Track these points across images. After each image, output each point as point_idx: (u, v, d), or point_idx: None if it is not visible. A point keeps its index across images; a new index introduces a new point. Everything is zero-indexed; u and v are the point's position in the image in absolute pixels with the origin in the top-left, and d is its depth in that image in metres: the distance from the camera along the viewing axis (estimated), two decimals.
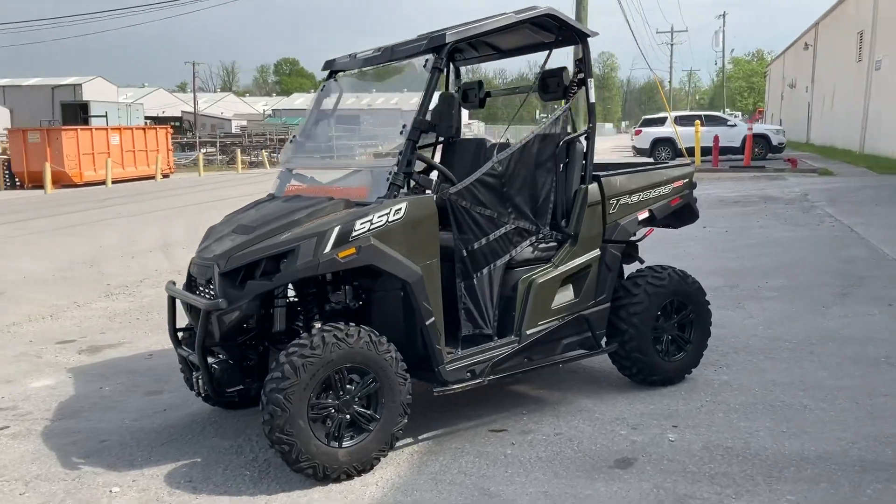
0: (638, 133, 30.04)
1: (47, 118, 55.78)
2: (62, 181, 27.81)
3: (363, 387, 3.96)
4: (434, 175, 4.77)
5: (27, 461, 4.38)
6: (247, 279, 4.01)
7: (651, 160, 8.45)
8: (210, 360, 4.29)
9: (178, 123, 58.30)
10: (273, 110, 79.54)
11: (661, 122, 28.64)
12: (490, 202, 4.41)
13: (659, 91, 38.27)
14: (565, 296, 4.69)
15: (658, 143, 28.54)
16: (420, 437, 4.47)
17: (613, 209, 4.86)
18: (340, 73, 5.04)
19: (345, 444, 3.93)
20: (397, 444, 4.30)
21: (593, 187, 4.78)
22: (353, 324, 4.01)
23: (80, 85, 69.94)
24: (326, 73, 5.10)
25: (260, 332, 4.32)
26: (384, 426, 4.01)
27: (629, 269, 5.27)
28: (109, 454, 4.45)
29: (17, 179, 28.15)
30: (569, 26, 4.71)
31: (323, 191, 4.55)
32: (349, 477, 3.94)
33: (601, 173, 4.91)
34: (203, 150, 42.87)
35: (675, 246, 10.58)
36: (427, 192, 4.23)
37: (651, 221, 5.12)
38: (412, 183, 4.19)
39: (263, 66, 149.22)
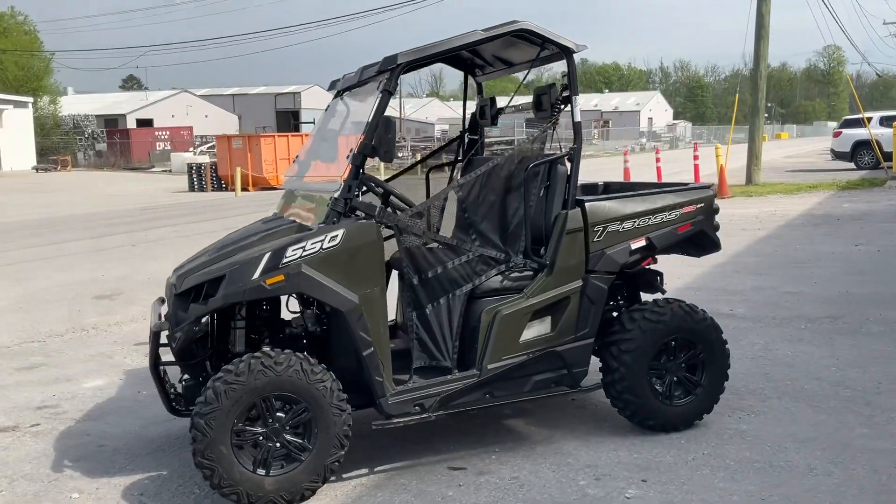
0: (837, 135, 27.45)
1: (270, 124, 60.24)
2: (260, 184, 30.15)
3: (294, 416, 3.91)
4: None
5: (25, 460, 4.73)
6: (197, 300, 4.08)
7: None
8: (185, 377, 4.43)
9: None
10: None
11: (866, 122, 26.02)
12: (448, 229, 4.21)
13: (850, 86, 34.73)
14: (538, 329, 4.38)
15: (860, 146, 26.08)
16: (375, 469, 4.35)
17: (599, 237, 4.47)
18: (346, 93, 5.01)
19: (273, 472, 3.89)
20: (350, 474, 4.22)
21: (575, 213, 4.43)
22: (291, 350, 3.97)
23: (299, 93, 74.88)
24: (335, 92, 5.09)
25: (222, 352, 4.38)
26: (316, 457, 3.93)
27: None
28: (97, 459, 4.70)
29: (222, 182, 30.66)
30: (548, 40, 4.40)
31: (304, 212, 4.55)
32: (285, 502, 3.89)
33: (589, 197, 4.54)
34: (399, 154, 44.51)
35: (802, 266, 9.65)
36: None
37: (650, 250, 4.66)
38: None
39: None
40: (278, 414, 3.89)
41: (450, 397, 4.20)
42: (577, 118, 4.45)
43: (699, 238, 4.80)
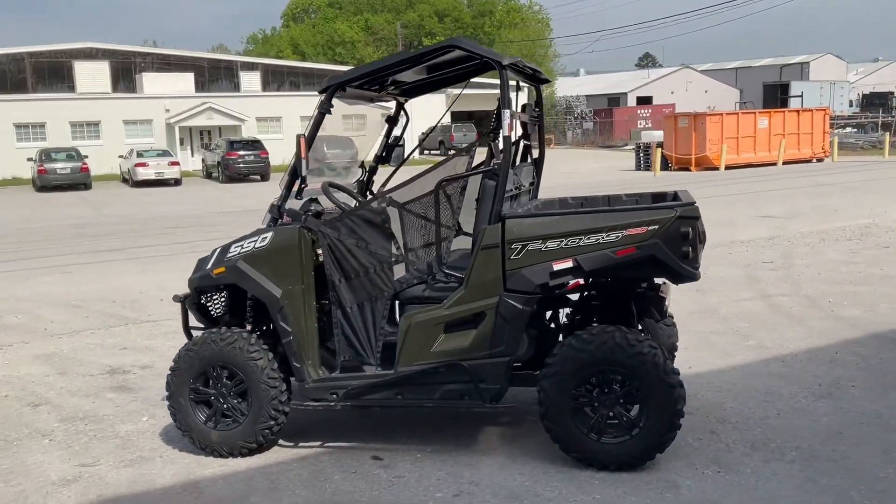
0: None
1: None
2: (703, 164, 29.82)
3: (235, 385, 4.72)
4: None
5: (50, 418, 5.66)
6: None
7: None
8: None
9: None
10: None
11: None
12: (371, 237, 4.53)
13: None
14: (452, 341, 4.43)
15: None
16: (327, 445, 4.92)
17: (516, 255, 4.29)
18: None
19: (218, 428, 4.77)
20: (288, 444, 4.90)
21: (493, 229, 4.33)
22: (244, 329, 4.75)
23: (808, 63, 69.99)
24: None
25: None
26: (251, 423, 4.69)
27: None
28: (82, 438, 5.26)
29: (668, 161, 30.98)
30: (478, 55, 4.36)
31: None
32: (221, 455, 4.76)
33: (514, 213, 4.38)
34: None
35: None
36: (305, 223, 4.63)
37: (578, 272, 4.26)
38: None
39: None
40: (225, 381, 4.73)
41: (361, 391, 4.57)
42: (506, 133, 4.35)
43: (654, 264, 4.24)
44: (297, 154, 4.46)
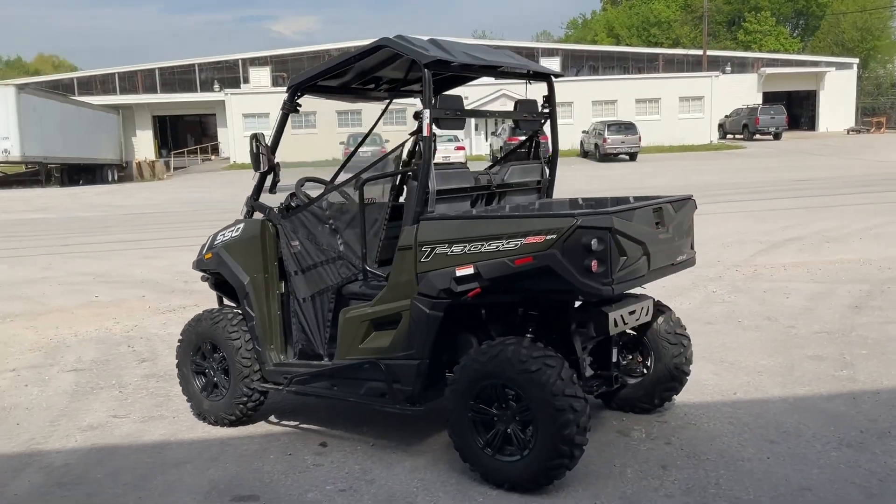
0: None
1: None
2: None
3: (219, 360, 5.20)
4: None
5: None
6: None
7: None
8: None
9: None
10: None
11: None
12: (320, 234, 4.70)
13: None
14: (376, 339, 4.45)
15: None
16: (302, 426, 5.21)
17: (426, 258, 4.18)
18: None
19: (210, 398, 5.28)
20: (259, 422, 5.25)
21: (409, 230, 4.26)
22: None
23: None
24: None
25: None
26: (230, 396, 5.14)
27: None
28: (141, 394, 6.01)
29: None
30: (403, 54, 4.29)
31: None
32: (209, 423, 5.26)
33: (430, 215, 4.26)
34: None
35: None
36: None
37: (478, 280, 4.02)
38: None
39: None
40: (214, 355, 5.23)
41: (304, 380, 4.78)
42: (426, 133, 4.26)
43: (551, 276, 3.89)
44: (251, 152, 4.75)
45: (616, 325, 4.32)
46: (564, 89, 46.26)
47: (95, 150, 41.16)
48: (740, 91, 49.46)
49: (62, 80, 51.42)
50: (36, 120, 35.42)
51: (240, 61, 49.51)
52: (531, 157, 5.37)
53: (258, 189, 5.02)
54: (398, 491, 4.17)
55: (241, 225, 5.05)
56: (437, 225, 4.22)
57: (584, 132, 40.37)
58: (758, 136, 45.67)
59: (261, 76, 48.36)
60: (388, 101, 5.55)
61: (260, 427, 5.22)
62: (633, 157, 37.84)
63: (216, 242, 5.18)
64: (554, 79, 5.26)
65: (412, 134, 4.73)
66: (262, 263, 4.95)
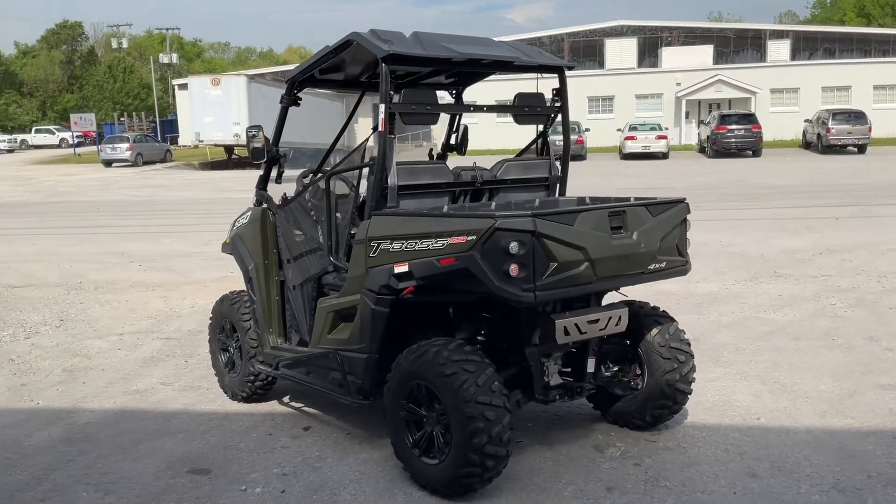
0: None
1: None
2: None
3: (235, 339, 5.51)
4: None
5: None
6: None
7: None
8: None
9: None
10: None
11: None
12: (305, 225, 4.84)
13: None
14: (339, 330, 4.50)
15: None
16: (306, 408, 5.39)
17: (373, 253, 4.15)
18: None
19: (230, 372, 5.61)
20: (292, 403, 5.50)
21: (363, 225, 4.26)
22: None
23: None
24: None
25: None
26: (241, 374, 5.44)
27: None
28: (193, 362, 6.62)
29: None
30: (365, 48, 4.26)
31: None
32: (228, 396, 5.60)
33: (383, 211, 4.21)
34: None
35: None
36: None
37: (411, 278, 3.92)
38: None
39: None
40: (234, 334, 5.55)
41: (287, 365, 4.95)
42: (381, 128, 4.23)
43: (471, 279, 3.72)
44: (248, 144, 4.96)
45: (567, 333, 4.07)
46: (789, 74, 43.05)
47: (319, 136, 44.06)
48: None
49: None
50: (264, 107, 38.51)
51: None
52: (542, 153, 5.15)
53: (265, 178, 5.24)
54: (331, 481, 4.23)
55: (250, 213, 5.30)
56: (384, 221, 4.20)
57: (806, 121, 37.38)
58: None
59: None
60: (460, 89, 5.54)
61: (268, 406, 5.47)
62: (861, 149, 34.36)
63: (235, 227, 5.47)
64: (567, 71, 5.00)
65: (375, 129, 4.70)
66: (264, 250, 5.17)
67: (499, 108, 5.07)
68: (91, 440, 4.95)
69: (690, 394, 4.67)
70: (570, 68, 5.04)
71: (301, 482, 4.23)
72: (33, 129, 66.20)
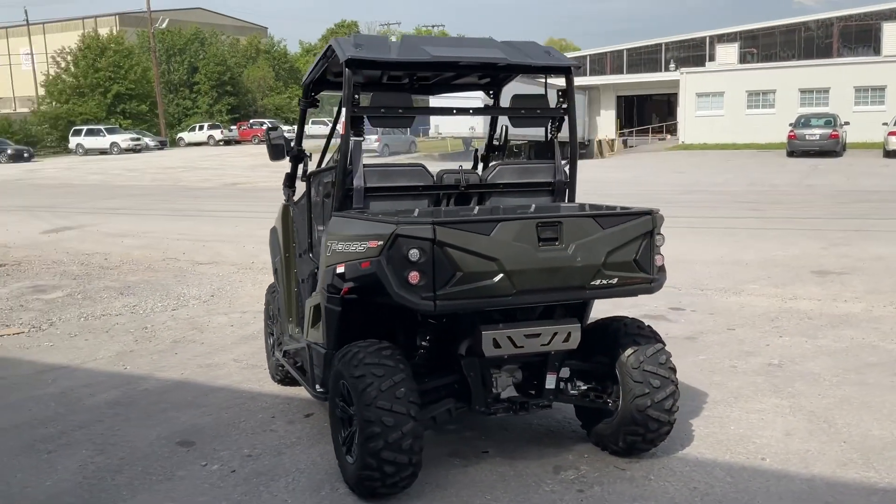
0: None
1: None
2: None
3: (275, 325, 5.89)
4: None
5: None
6: None
7: None
8: None
9: None
10: None
11: None
12: (303, 222, 5.08)
13: None
14: (317, 326, 4.66)
15: None
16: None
17: (328, 252, 4.24)
18: None
19: (272, 356, 5.99)
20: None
21: (327, 224, 4.38)
22: None
23: None
24: None
25: None
26: (275, 358, 5.82)
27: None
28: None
29: None
30: (336, 52, 4.35)
31: None
32: (272, 379, 5.99)
33: (344, 213, 4.28)
34: None
35: None
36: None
37: (346, 280, 3.96)
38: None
39: None
40: (278, 320, 5.93)
41: (289, 355, 5.22)
42: (342, 131, 4.31)
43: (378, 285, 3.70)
44: (266, 143, 5.24)
45: (497, 346, 3.92)
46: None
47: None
48: None
49: None
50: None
51: (707, 38, 48.23)
52: (549, 156, 4.93)
53: (291, 176, 5.52)
54: (280, 468, 4.42)
55: (280, 208, 5.62)
56: (338, 222, 4.29)
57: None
58: None
59: (728, 53, 46.60)
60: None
61: (297, 390, 5.77)
62: None
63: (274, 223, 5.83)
64: (574, 71, 4.76)
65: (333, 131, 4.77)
66: (285, 244, 5.46)
67: (501, 111, 4.94)
68: (132, 406, 5.55)
69: (669, 424, 4.28)
70: (577, 68, 4.79)
71: (254, 465, 4.47)
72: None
